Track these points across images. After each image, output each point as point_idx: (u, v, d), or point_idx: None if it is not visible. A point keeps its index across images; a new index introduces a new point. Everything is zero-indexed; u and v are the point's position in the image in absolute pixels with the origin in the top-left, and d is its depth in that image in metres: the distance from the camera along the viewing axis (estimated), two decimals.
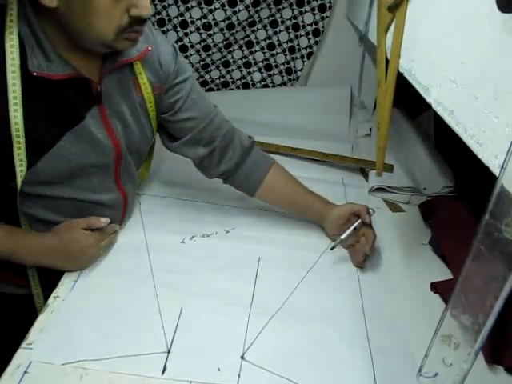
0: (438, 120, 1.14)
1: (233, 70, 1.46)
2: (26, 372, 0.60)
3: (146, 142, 0.83)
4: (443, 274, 0.84)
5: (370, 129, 1.38)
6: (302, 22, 1.35)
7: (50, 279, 0.76)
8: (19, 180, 0.67)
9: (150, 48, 0.73)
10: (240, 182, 0.92)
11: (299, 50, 1.40)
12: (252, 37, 1.39)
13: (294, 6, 1.33)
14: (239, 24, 1.34)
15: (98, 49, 0.64)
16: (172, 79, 0.81)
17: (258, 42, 1.41)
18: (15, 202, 0.71)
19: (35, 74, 0.61)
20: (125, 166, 0.79)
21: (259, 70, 1.46)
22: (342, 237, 0.83)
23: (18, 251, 0.71)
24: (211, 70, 1.45)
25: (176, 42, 1.36)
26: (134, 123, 0.77)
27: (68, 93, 0.66)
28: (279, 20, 1.36)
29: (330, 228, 0.89)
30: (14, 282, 0.81)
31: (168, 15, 1.32)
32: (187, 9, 1.31)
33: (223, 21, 1.32)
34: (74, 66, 0.64)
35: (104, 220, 0.77)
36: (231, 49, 1.41)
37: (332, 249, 0.84)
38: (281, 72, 1.46)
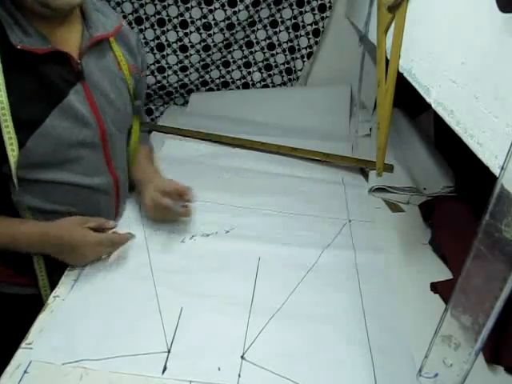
0: (438, 120, 1.14)
1: (233, 70, 1.46)
2: (25, 372, 0.60)
3: (130, 119, 0.86)
4: (443, 273, 0.84)
5: (370, 129, 1.38)
6: (302, 22, 1.35)
7: (55, 273, 0.77)
8: (12, 162, 0.67)
9: (122, 23, 0.78)
10: None
11: (299, 50, 1.40)
12: (252, 37, 1.39)
13: (294, 6, 1.33)
14: (239, 24, 1.33)
15: (38, 8, 0.64)
16: (141, 66, 0.87)
17: (257, 42, 1.41)
18: (9, 192, 0.71)
19: (19, 46, 0.62)
20: (113, 146, 0.80)
21: (259, 70, 1.46)
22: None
23: (18, 239, 0.71)
24: (211, 69, 1.45)
25: (176, 41, 1.36)
26: (117, 100, 0.79)
27: (50, 69, 0.68)
28: (279, 20, 1.36)
29: (147, 197, 0.87)
30: (18, 281, 0.81)
31: (168, 15, 1.32)
32: (187, 9, 1.31)
33: (223, 21, 1.32)
34: (52, 41, 0.66)
35: (112, 223, 0.77)
36: (231, 49, 1.41)
37: None
38: (281, 72, 1.46)
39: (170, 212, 0.84)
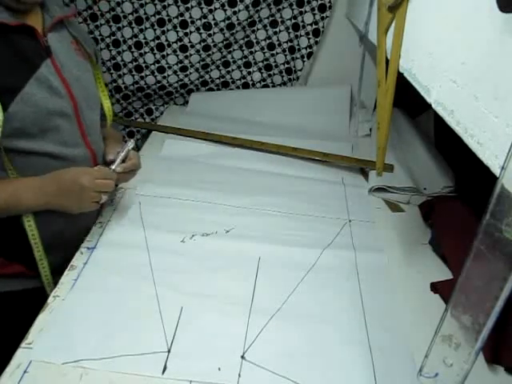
0: (438, 120, 1.14)
1: (233, 70, 1.46)
2: (25, 371, 0.60)
3: (97, 96, 0.91)
4: (443, 273, 0.84)
5: (370, 129, 1.38)
6: (302, 21, 1.35)
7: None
8: None
9: (75, 9, 0.94)
10: None
11: (299, 50, 1.40)
12: (252, 37, 1.39)
13: (294, 6, 1.33)
14: (239, 24, 1.34)
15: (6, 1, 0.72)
16: (97, 57, 0.94)
17: (257, 42, 1.41)
18: None
19: None
20: (85, 119, 0.84)
21: (259, 70, 1.46)
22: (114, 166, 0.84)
23: (17, 194, 0.74)
24: (211, 69, 1.45)
25: (176, 42, 1.36)
26: (82, 78, 0.85)
27: (23, 41, 0.75)
28: (279, 20, 1.36)
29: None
30: (26, 273, 0.83)
31: (168, 15, 1.32)
32: (187, 9, 1.31)
33: (223, 21, 1.32)
34: (21, 17, 0.74)
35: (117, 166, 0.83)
36: (231, 49, 1.41)
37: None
38: (281, 72, 1.46)
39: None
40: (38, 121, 0.75)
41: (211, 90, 1.50)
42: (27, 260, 0.81)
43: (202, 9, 1.31)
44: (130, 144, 0.87)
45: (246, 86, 1.49)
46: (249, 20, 1.34)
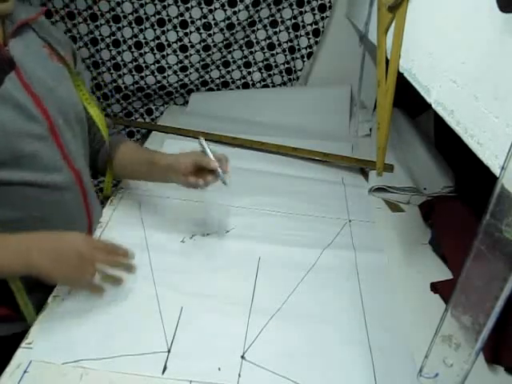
0: (438, 120, 1.14)
1: (233, 70, 1.46)
2: (25, 371, 0.60)
3: (78, 107, 0.80)
4: (443, 273, 0.84)
5: (370, 129, 1.38)
6: (302, 21, 1.35)
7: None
8: None
9: (45, 8, 0.78)
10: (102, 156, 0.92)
11: (299, 50, 1.40)
12: (252, 37, 1.39)
13: (294, 6, 1.33)
14: (239, 24, 1.33)
15: None
16: (76, 58, 0.85)
17: (257, 42, 1.41)
18: None
19: None
20: (65, 139, 0.75)
21: (259, 70, 1.46)
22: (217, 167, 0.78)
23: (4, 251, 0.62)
24: (211, 69, 1.45)
25: (176, 41, 1.36)
26: (58, 88, 0.74)
27: None
28: (279, 20, 1.36)
29: (181, 161, 0.82)
30: (13, 316, 0.72)
31: (168, 15, 1.32)
32: (187, 9, 1.31)
33: (223, 21, 1.32)
34: None
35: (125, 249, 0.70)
36: (231, 49, 1.41)
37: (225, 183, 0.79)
38: (281, 72, 1.46)
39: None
40: (7, 146, 0.65)
41: (211, 89, 1.50)
42: (12, 302, 0.69)
43: (202, 9, 1.31)
44: (202, 140, 0.82)
45: (246, 85, 1.49)
46: (249, 20, 1.34)
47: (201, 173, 0.79)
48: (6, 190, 0.68)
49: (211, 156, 0.79)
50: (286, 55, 1.42)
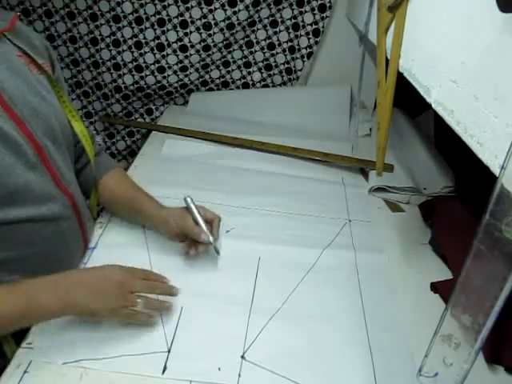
0: (438, 120, 1.14)
1: (233, 70, 1.46)
2: (25, 372, 0.60)
3: (64, 123, 0.73)
4: (443, 273, 0.84)
5: (370, 129, 1.38)
6: (302, 21, 1.35)
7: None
8: None
9: (18, 13, 0.68)
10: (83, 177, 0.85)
11: (299, 50, 1.40)
12: (252, 37, 1.39)
13: (294, 6, 1.33)
14: (239, 24, 1.33)
15: None
16: (53, 61, 0.77)
17: (257, 42, 1.41)
18: None
19: None
20: (55, 162, 0.69)
21: (259, 70, 1.46)
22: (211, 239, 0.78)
23: (35, 299, 0.58)
24: (211, 69, 1.45)
25: (176, 41, 1.36)
26: (41, 106, 0.67)
27: None
28: (279, 20, 1.36)
29: (171, 225, 0.80)
30: None
31: (168, 15, 1.32)
32: (187, 9, 1.31)
33: (223, 21, 1.32)
34: None
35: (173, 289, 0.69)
36: (231, 49, 1.41)
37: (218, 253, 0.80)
38: (281, 72, 1.46)
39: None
40: (1, 185, 0.59)
41: (211, 89, 1.50)
42: None
43: (202, 9, 1.31)
44: (190, 201, 0.80)
45: (246, 85, 1.49)
46: (249, 20, 1.34)
47: (190, 239, 0.80)
48: (1, 230, 0.62)
49: (201, 223, 0.79)
50: (286, 55, 1.42)
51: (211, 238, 0.78)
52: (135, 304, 0.64)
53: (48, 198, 0.67)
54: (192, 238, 0.79)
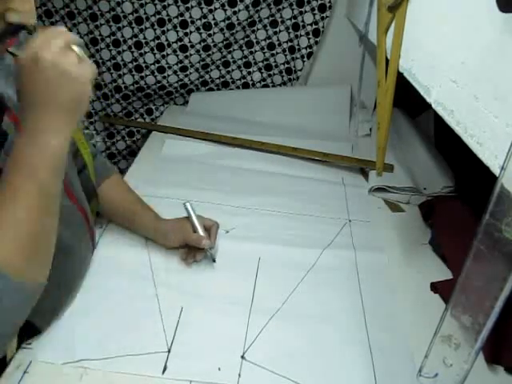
0: (438, 120, 1.14)
1: (233, 70, 1.46)
2: (25, 372, 0.60)
3: None
4: (443, 273, 0.84)
5: (370, 129, 1.38)
6: (302, 21, 1.35)
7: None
8: None
9: None
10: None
11: (299, 50, 1.40)
12: (252, 37, 1.39)
13: (294, 6, 1.33)
14: (239, 24, 1.33)
15: None
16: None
17: (257, 42, 1.41)
18: None
19: None
20: (70, 176, 0.68)
21: (259, 70, 1.46)
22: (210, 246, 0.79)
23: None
24: (211, 69, 1.45)
25: (176, 41, 1.36)
26: None
27: None
28: (279, 20, 1.36)
29: (170, 239, 0.81)
30: None
31: (168, 15, 1.32)
32: (187, 9, 1.31)
33: (223, 21, 1.32)
34: None
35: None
36: (231, 49, 1.41)
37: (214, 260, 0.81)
38: (281, 72, 1.46)
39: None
40: None
41: (211, 89, 1.50)
42: None
43: (202, 9, 1.31)
44: (190, 208, 0.81)
45: (246, 85, 1.49)
46: (249, 20, 1.34)
47: (188, 246, 0.81)
48: None
49: (200, 229, 0.79)
50: (286, 55, 1.42)
51: (208, 247, 0.79)
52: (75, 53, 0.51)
53: (67, 213, 0.63)
54: (191, 246, 0.80)
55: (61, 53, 0.50)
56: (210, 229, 0.82)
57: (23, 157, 0.50)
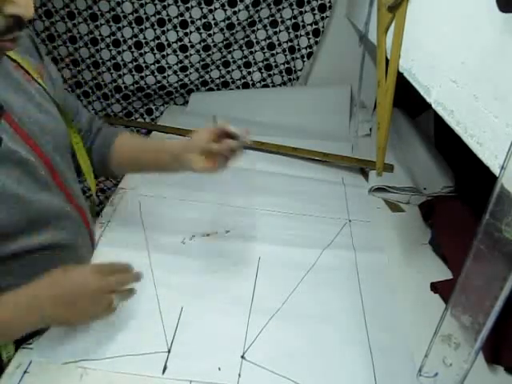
0: (438, 120, 1.14)
1: (233, 70, 1.46)
2: (25, 372, 0.60)
3: (66, 133, 0.70)
4: (443, 273, 0.84)
5: (370, 129, 1.38)
6: (302, 21, 1.35)
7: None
8: None
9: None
10: (95, 153, 0.81)
11: (299, 50, 1.40)
12: (252, 37, 1.39)
13: (294, 6, 1.33)
14: (239, 24, 1.33)
15: None
16: (42, 56, 0.70)
17: (257, 42, 1.41)
18: None
19: None
20: (65, 176, 0.67)
21: (259, 69, 1.46)
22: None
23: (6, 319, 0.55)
24: (211, 69, 1.45)
25: (176, 41, 1.36)
26: (47, 121, 0.64)
27: None
28: (279, 20, 1.36)
29: (196, 146, 0.73)
30: None
31: (168, 15, 1.32)
32: (187, 9, 1.31)
33: (223, 21, 1.32)
34: None
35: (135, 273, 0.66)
36: (231, 49, 1.41)
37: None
38: (281, 72, 1.46)
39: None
40: (23, 216, 0.57)
41: (211, 89, 1.50)
42: None
43: (202, 9, 1.31)
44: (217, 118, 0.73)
45: (246, 85, 1.49)
46: (249, 20, 1.34)
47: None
48: (25, 259, 0.59)
49: (231, 127, 0.71)
50: (286, 55, 1.42)
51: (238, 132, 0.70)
52: (112, 304, 0.61)
53: (65, 217, 0.65)
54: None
55: (99, 295, 0.59)
56: (224, 129, 0.72)
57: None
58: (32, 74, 0.64)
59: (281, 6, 1.33)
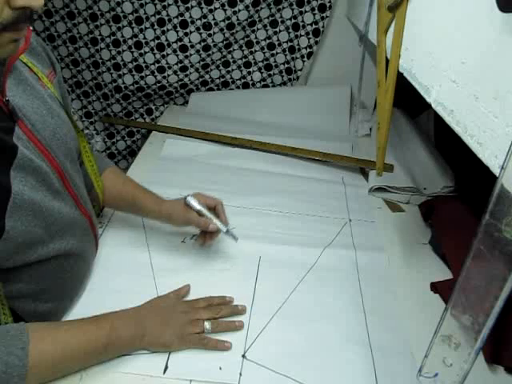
0: (438, 120, 1.14)
1: (233, 70, 1.47)
2: None
3: (75, 138, 0.71)
4: (443, 273, 0.84)
5: (370, 129, 1.38)
6: (302, 21, 1.35)
7: None
8: None
9: (30, 27, 0.60)
10: None
11: (299, 49, 1.40)
12: (252, 37, 1.39)
13: (294, 6, 1.33)
14: (239, 24, 1.34)
15: None
16: (54, 64, 0.71)
17: (258, 42, 1.41)
18: None
19: None
20: (75, 182, 0.67)
21: (259, 69, 1.46)
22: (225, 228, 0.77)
23: (116, 330, 0.60)
24: (211, 69, 1.45)
25: (176, 41, 1.36)
26: (59, 127, 0.64)
27: None
28: (279, 20, 1.36)
29: (174, 219, 0.79)
30: None
31: (168, 15, 1.32)
32: (187, 9, 1.31)
33: (223, 21, 1.32)
34: None
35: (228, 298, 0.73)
36: (231, 49, 1.41)
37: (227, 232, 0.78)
38: (281, 72, 1.46)
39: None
40: (41, 224, 0.57)
41: (211, 89, 1.50)
42: None
43: (202, 9, 1.31)
44: (192, 200, 0.77)
45: (246, 85, 1.49)
46: (249, 20, 1.34)
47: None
48: (38, 266, 0.60)
49: (208, 214, 0.77)
50: (286, 55, 1.43)
51: (222, 226, 0.77)
52: (202, 328, 0.66)
53: (76, 224, 0.66)
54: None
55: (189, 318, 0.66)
56: (216, 208, 0.79)
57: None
58: (41, 77, 0.64)
59: (281, 6, 1.33)
